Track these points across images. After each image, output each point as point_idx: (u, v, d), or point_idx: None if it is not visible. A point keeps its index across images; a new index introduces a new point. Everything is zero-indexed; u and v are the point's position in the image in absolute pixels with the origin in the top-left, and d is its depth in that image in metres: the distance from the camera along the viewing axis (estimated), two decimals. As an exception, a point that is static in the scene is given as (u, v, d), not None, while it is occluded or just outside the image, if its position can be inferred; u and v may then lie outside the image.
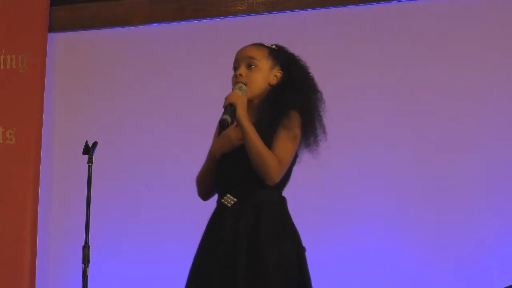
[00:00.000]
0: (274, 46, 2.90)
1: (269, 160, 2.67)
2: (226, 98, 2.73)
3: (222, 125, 2.69)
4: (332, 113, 4.43)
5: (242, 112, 2.68)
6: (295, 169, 2.88)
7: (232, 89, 2.78)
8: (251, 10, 4.70)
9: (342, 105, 4.47)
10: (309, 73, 2.89)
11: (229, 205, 2.73)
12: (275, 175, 2.69)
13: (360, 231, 4.29)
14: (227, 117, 2.67)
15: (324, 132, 2.83)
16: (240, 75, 2.79)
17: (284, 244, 2.68)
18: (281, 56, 2.87)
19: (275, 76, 2.82)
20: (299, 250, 2.74)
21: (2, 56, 4.86)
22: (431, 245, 4.22)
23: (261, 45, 2.89)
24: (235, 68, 2.84)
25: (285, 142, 2.72)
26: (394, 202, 4.29)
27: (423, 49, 4.40)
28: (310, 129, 2.79)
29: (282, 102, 2.76)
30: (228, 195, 2.74)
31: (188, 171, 4.62)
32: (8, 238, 4.64)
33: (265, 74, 2.81)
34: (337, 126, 4.40)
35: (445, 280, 4.17)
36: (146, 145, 4.70)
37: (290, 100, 2.77)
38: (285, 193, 2.85)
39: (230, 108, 2.69)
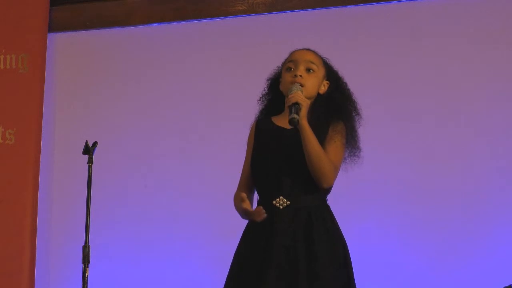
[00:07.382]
0: (325, 58, 2.99)
1: (327, 163, 2.77)
2: (291, 97, 2.76)
3: (293, 124, 2.71)
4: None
5: (305, 113, 2.75)
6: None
7: (290, 89, 2.80)
8: (251, 10, 4.70)
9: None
10: (351, 91, 3.01)
11: (281, 207, 2.78)
12: (332, 179, 2.80)
13: (358, 231, 4.28)
14: (296, 116, 2.70)
15: (358, 147, 2.94)
16: (301, 76, 2.85)
17: (335, 247, 2.80)
18: (330, 69, 2.97)
19: (324, 86, 2.93)
20: (346, 250, 2.85)
21: (2, 56, 4.86)
22: (430, 245, 4.22)
23: (316, 52, 2.97)
24: (291, 68, 2.89)
25: (339, 148, 2.85)
26: (392, 202, 4.29)
27: (423, 49, 4.40)
28: (352, 141, 2.91)
29: (331, 111, 2.86)
30: (281, 197, 2.78)
31: (188, 171, 4.66)
32: (8, 238, 4.63)
33: (319, 82, 2.91)
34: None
35: (445, 280, 4.16)
36: (146, 145, 4.70)
37: (339, 111, 2.89)
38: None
39: (296, 107, 2.72)
